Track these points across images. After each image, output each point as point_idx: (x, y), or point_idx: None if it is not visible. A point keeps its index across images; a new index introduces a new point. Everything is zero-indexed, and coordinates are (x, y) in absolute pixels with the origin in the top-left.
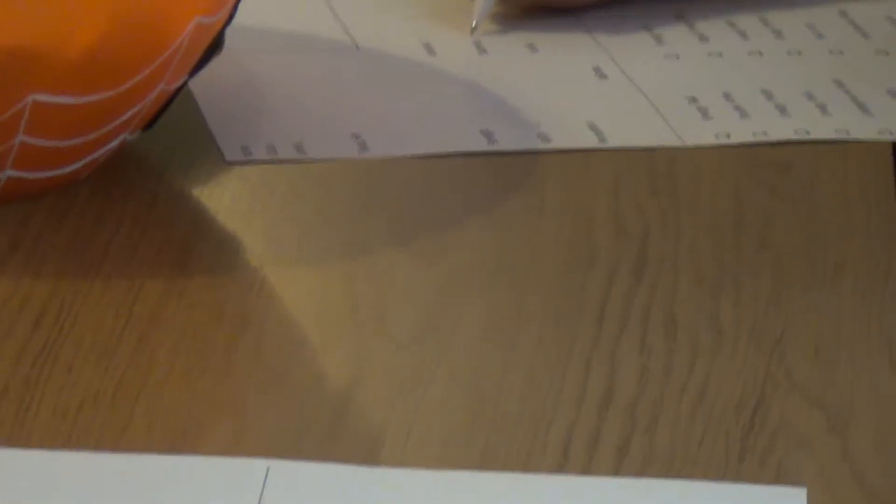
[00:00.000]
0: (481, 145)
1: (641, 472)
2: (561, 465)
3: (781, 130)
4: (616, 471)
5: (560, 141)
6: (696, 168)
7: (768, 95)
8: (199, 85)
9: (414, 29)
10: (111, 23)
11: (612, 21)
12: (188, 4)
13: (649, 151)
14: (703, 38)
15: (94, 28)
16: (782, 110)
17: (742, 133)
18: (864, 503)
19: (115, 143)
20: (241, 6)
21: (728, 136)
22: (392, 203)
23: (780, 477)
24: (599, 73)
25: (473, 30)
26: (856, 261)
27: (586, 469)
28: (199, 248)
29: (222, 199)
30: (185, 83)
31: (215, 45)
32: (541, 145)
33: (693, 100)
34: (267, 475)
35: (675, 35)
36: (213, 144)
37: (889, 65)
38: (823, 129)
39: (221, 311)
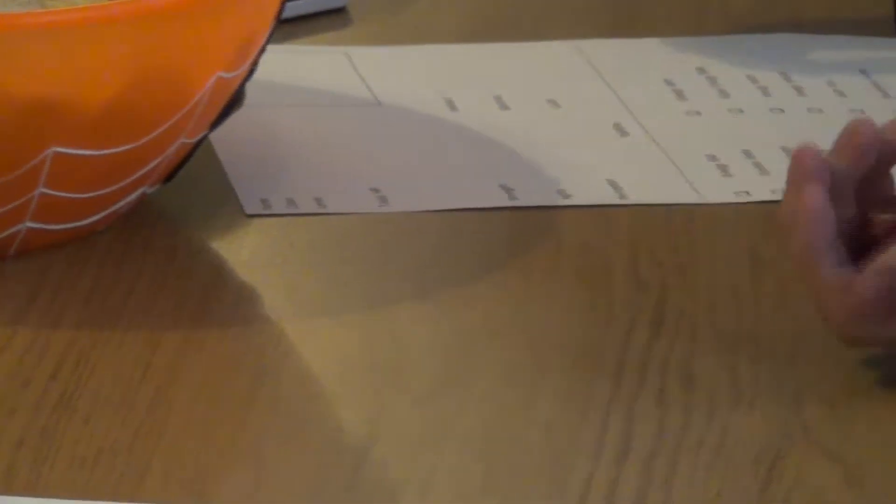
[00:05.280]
0: (501, 201)
1: None
2: None
3: None
4: None
5: (579, 197)
6: (714, 224)
7: (787, 152)
8: (220, 138)
9: (435, 84)
10: (132, 76)
11: (635, 76)
12: (209, 59)
13: (668, 208)
14: (723, 94)
15: (115, 81)
16: None
17: (761, 191)
18: None
19: (134, 196)
20: (261, 61)
21: (748, 193)
22: (411, 257)
23: None
24: (620, 130)
25: None
26: None
27: None
28: (218, 301)
29: (241, 252)
30: (205, 137)
31: (236, 100)
32: (560, 201)
33: (713, 157)
34: None
35: (697, 90)
36: (233, 197)
37: None
38: None
39: (239, 364)
